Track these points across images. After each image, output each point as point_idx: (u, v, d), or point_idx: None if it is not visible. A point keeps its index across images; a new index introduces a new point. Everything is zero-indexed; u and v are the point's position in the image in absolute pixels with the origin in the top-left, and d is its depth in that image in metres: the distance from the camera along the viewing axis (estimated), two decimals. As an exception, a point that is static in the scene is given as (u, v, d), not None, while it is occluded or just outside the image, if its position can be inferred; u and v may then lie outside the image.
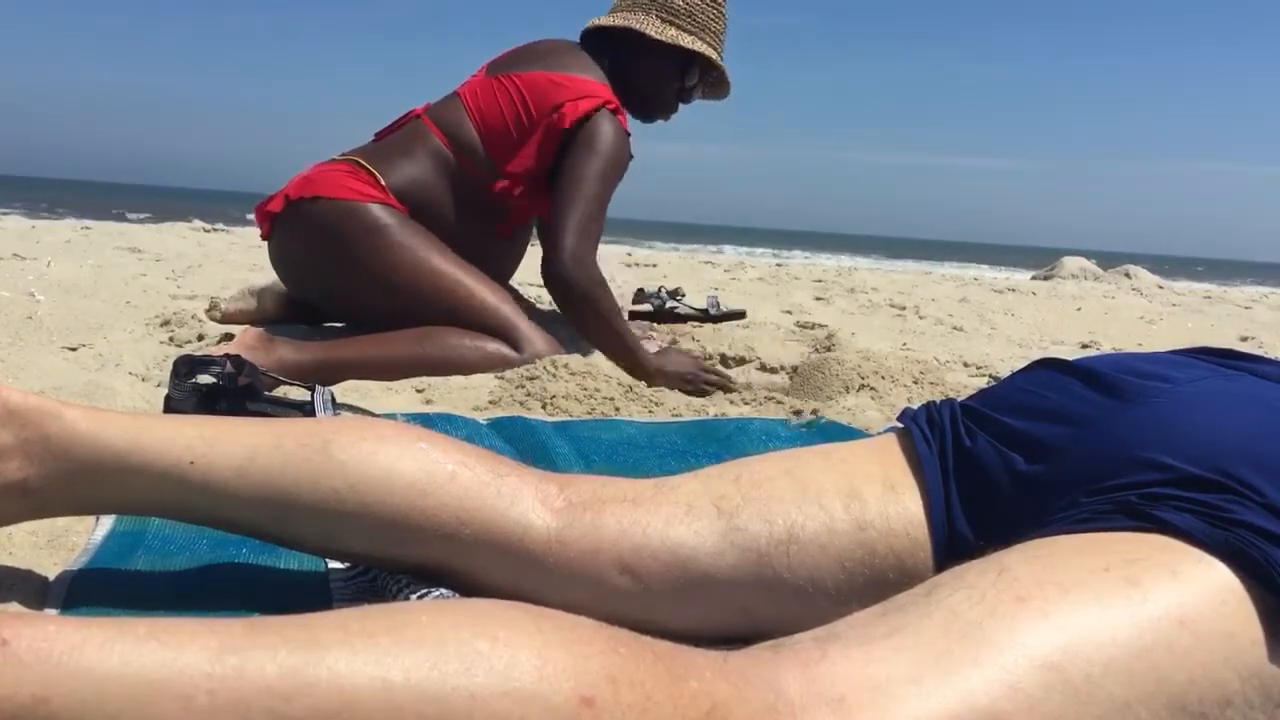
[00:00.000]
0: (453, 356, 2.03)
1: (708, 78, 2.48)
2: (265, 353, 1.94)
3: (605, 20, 2.40)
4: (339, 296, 2.23)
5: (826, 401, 1.97)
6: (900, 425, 0.96)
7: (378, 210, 2.12)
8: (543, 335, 2.11)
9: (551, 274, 2.10)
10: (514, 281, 2.60)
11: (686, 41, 2.37)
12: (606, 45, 2.38)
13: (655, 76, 2.41)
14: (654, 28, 2.35)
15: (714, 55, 2.41)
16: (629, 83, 2.35)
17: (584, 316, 2.12)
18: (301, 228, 2.16)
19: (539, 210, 2.36)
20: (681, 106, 2.51)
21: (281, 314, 2.39)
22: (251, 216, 2.42)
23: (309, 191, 2.14)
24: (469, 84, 2.33)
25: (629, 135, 2.27)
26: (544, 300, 3.01)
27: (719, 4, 2.43)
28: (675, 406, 1.87)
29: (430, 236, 2.16)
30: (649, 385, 2.03)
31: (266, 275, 2.44)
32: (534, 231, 2.55)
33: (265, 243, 2.27)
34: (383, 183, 2.16)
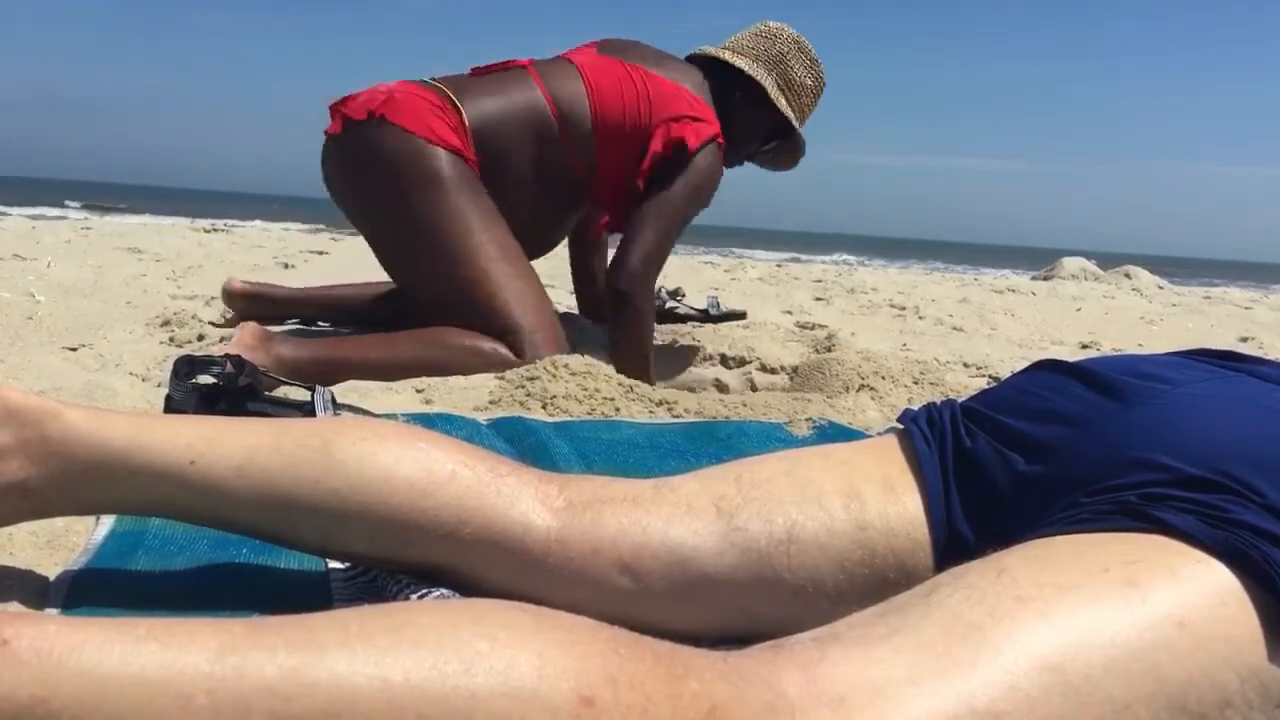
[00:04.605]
0: (453, 360, 2.02)
1: (766, 149, 2.52)
2: (265, 352, 1.94)
3: (737, 61, 2.38)
4: (372, 223, 2.22)
5: (827, 402, 1.97)
6: (900, 426, 0.96)
7: (445, 160, 2.08)
8: (554, 342, 2.07)
9: (612, 283, 2.12)
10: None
11: (794, 117, 2.40)
12: (715, 74, 2.38)
13: (751, 131, 2.43)
14: (773, 91, 2.37)
15: (802, 138, 2.47)
16: (724, 121, 2.34)
17: (623, 329, 2.14)
18: (365, 150, 2.12)
19: (609, 213, 2.34)
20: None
21: (249, 313, 2.40)
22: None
23: (390, 112, 2.09)
24: (583, 57, 2.29)
25: (722, 173, 2.28)
26: (562, 304, 3.01)
27: (819, 95, 2.46)
28: (675, 407, 1.87)
29: (487, 206, 2.12)
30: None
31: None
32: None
33: (324, 144, 2.21)
34: (466, 124, 2.13)
